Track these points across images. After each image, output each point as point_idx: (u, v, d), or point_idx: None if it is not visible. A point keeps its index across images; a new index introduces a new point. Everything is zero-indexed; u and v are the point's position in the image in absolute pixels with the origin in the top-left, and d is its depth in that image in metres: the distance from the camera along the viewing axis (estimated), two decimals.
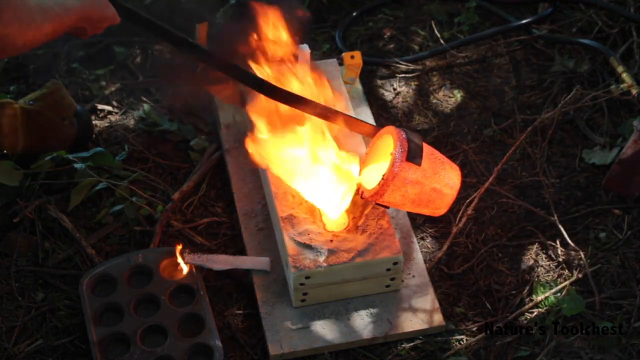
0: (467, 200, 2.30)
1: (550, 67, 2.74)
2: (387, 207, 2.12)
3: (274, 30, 2.31)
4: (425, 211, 2.11)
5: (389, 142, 2.10)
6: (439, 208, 2.10)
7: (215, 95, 2.54)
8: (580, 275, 2.20)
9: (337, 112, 2.19)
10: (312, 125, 2.20)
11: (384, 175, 2.03)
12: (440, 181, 2.06)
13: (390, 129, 2.11)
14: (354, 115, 2.39)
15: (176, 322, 2.09)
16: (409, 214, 2.32)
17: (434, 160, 2.07)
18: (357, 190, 2.14)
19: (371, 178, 2.11)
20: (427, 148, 2.08)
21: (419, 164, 2.03)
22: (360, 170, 2.19)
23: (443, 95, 2.70)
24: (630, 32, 2.74)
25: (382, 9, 2.96)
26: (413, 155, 2.02)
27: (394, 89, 2.71)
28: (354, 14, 2.91)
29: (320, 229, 2.13)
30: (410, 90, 2.71)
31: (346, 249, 2.08)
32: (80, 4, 1.83)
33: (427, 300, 2.14)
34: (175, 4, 2.87)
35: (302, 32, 2.34)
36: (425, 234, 2.32)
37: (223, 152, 2.47)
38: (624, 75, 2.53)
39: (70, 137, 2.42)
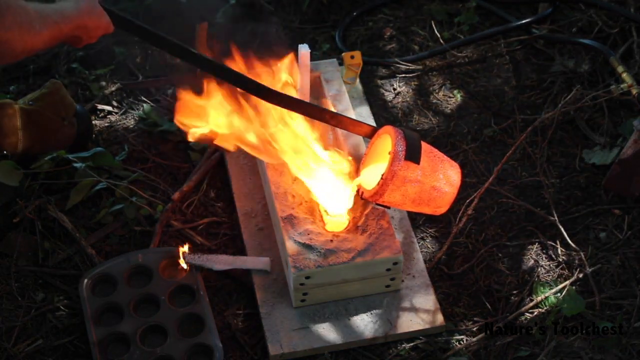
0: (467, 200, 2.30)
1: (550, 67, 2.74)
2: (388, 207, 2.12)
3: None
4: (426, 210, 2.11)
5: (387, 142, 2.10)
6: (440, 206, 2.10)
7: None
8: (580, 275, 2.20)
9: (334, 114, 2.19)
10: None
11: (383, 175, 2.03)
12: (440, 179, 2.06)
13: (388, 128, 2.11)
14: (354, 115, 2.40)
15: (176, 322, 2.09)
16: (409, 213, 2.32)
17: (433, 159, 2.07)
18: (358, 191, 2.14)
19: (371, 178, 2.11)
20: (425, 146, 2.08)
21: (418, 163, 2.02)
22: (360, 170, 2.19)
23: (443, 95, 2.70)
24: (630, 32, 2.74)
25: (382, 9, 2.96)
26: (412, 154, 2.02)
27: (394, 89, 2.71)
28: (354, 14, 2.91)
29: (320, 229, 2.13)
30: (410, 90, 2.71)
31: (346, 249, 2.08)
32: (77, 12, 1.84)
33: (427, 300, 2.14)
34: (175, 4, 2.88)
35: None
36: (425, 234, 2.32)
37: (223, 152, 2.47)
38: (624, 75, 2.53)
39: (70, 137, 2.42)
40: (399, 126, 2.54)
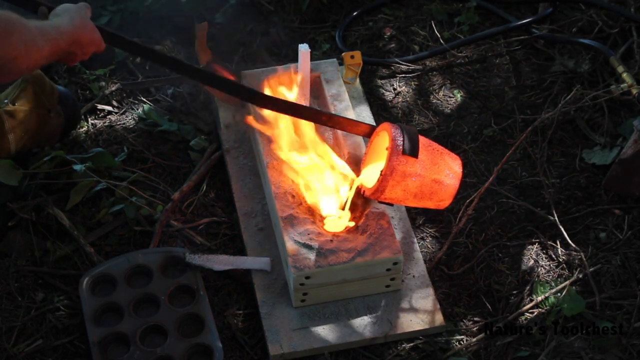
0: (467, 200, 2.30)
1: (550, 67, 2.74)
2: (391, 205, 2.11)
3: None
4: (430, 204, 2.10)
5: (386, 139, 2.10)
6: (443, 199, 2.10)
7: (215, 95, 2.54)
8: (580, 275, 2.20)
9: (331, 115, 2.20)
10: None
11: (382, 171, 2.03)
12: (440, 172, 2.06)
13: (385, 125, 2.11)
14: (353, 115, 2.40)
15: (176, 322, 2.09)
16: (409, 214, 2.32)
17: (432, 152, 2.07)
18: (360, 190, 2.14)
19: (372, 177, 2.11)
20: (424, 140, 2.08)
21: (417, 157, 2.03)
22: (361, 169, 2.19)
23: (443, 95, 2.69)
24: (630, 32, 2.74)
25: (382, 9, 2.95)
26: (409, 148, 2.03)
27: (394, 89, 2.71)
28: (354, 14, 2.91)
29: (320, 229, 2.13)
30: (410, 90, 2.71)
31: (346, 249, 2.08)
32: (72, 27, 1.87)
33: (427, 300, 2.14)
34: (175, 4, 2.88)
35: None
36: (425, 234, 2.32)
37: (223, 152, 2.47)
38: (624, 75, 2.53)
39: (59, 126, 2.41)
40: None
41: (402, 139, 2.03)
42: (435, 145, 2.10)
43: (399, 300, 2.14)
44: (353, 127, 2.21)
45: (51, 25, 1.85)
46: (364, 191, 2.12)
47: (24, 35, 1.75)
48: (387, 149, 2.04)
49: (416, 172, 2.03)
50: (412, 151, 2.03)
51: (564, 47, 2.78)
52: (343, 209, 2.17)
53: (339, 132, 2.31)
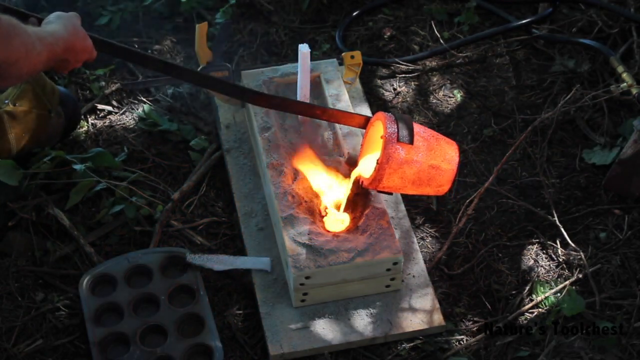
0: (467, 201, 2.30)
1: (550, 67, 2.74)
2: (390, 194, 2.12)
3: None
4: (429, 190, 2.10)
5: (380, 129, 2.10)
6: (442, 185, 2.10)
7: (215, 95, 2.54)
8: (580, 275, 2.20)
9: (324, 109, 2.21)
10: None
11: (378, 160, 2.03)
12: (436, 157, 2.06)
13: (379, 114, 2.12)
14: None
15: (176, 322, 2.09)
16: (409, 214, 2.32)
17: (427, 138, 2.08)
18: (358, 181, 2.15)
19: (369, 167, 2.11)
20: (418, 127, 2.09)
21: (412, 143, 2.03)
22: (358, 161, 2.19)
23: (443, 95, 2.69)
24: (630, 32, 2.74)
25: (382, 9, 2.95)
26: (404, 135, 2.03)
27: (394, 89, 2.71)
28: (354, 14, 2.91)
29: (320, 229, 2.13)
30: (410, 90, 2.71)
31: (346, 249, 2.08)
32: (66, 34, 1.88)
33: (427, 300, 2.14)
34: (174, 4, 2.88)
35: None
36: (425, 234, 2.32)
37: (223, 152, 2.47)
38: (624, 75, 2.52)
39: (59, 127, 2.41)
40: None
41: (396, 126, 2.04)
42: (431, 131, 2.11)
43: (398, 300, 2.14)
44: (347, 119, 2.22)
45: (46, 31, 1.85)
46: (362, 182, 2.12)
47: (24, 38, 1.75)
48: (382, 137, 2.04)
49: (412, 158, 2.03)
50: (407, 138, 2.03)
51: (564, 47, 2.78)
52: (339, 207, 2.18)
53: (339, 132, 2.31)
